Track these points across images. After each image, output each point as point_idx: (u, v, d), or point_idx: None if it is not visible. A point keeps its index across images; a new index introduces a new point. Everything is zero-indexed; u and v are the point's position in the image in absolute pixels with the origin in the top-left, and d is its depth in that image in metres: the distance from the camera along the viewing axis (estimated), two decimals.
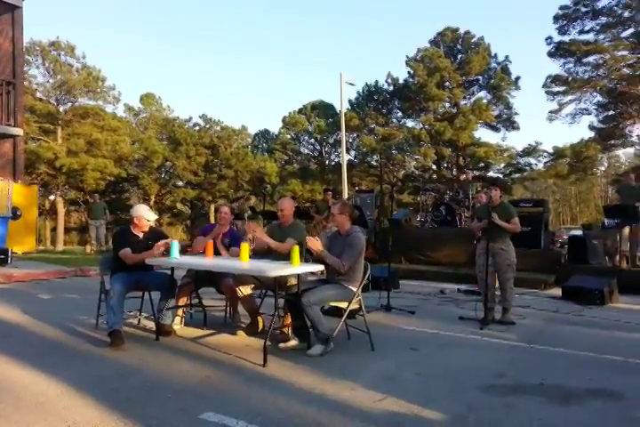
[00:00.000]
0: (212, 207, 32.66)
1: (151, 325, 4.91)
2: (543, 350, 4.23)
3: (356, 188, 27.44)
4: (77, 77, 27.81)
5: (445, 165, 31.29)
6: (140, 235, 4.64)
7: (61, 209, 29.24)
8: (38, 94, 27.73)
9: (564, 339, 4.65)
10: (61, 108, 28.52)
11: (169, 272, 4.67)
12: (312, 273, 5.69)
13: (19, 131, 11.45)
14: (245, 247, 4.58)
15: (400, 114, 32.18)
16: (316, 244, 4.07)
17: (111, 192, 32.01)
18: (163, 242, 4.49)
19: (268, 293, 5.01)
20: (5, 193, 11.85)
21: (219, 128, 35.27)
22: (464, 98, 29.91)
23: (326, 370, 3.54)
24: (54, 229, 30.06)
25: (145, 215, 4.59)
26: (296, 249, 4.13)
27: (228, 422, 2.61)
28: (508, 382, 3.37)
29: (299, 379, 3.35)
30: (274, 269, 3.86)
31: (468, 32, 29.54)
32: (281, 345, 4.15)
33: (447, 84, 29.46)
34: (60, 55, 27.68)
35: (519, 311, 5.80)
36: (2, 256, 9.30)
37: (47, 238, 31.22)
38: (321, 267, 4.24)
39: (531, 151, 29.63)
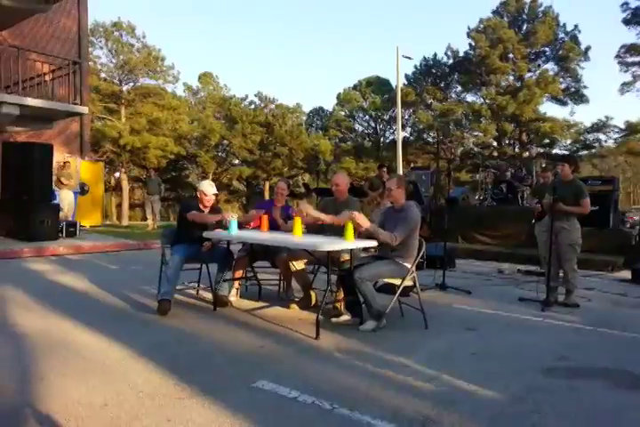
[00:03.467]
0: (267, 185, 33.12)
1: (209, 296, 5.05)
2: (609, 334, 4.01)
3: (412, 164, 26.91)
4: (138, 57, 28.51)
5: (507, 142, 30.05)
6: (206, 210, 4.76)
7: (126, 186, 30.50)
8: (102, 75, 28.70)
9: (632, 323, 4.38)
10: (124, 88, 29.42)
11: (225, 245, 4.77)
12: (366, 250, 5.65)
13: (84, 109, 11.89)
14: (298, 221, 4.58)
15: (459, 88, 31.04)
16: (364, 220, 3.99)
17: (172, 170, 33.07)
18: (231, 214, 4.62)
19: (321, 268, 5.01)
20: (74, 169, 12.48)
21: (273, 106, 35.35)
22: (529, 70, 28.39)
23: (378, 346, 3.51)
24: (120, 205, 31.47)
25: (204, 189, 4.70)
26: (350, 225, 4.08)
27: (281, 391, 2.64)
28: (571, 365, 3.22)
29: (351, 353, 3.34)
30: (327, 244, 3.83)
31: (534, 0, 27.81)
32: (333, 320, 4.15)
33: (511, 55, 28.01)
34: (121, 36, 28.44)
35: (584, 294, 5.52)
36: (71, 229, 9.82)
37: (113, 214, 32.75)
38: (374, 242, 4.18)
39: (600, 127, 27.89)
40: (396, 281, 4.07)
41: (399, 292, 4.06)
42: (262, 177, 34.32)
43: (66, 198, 11.21)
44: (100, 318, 4.11)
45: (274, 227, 5.00)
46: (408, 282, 4.08)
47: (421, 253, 4.18)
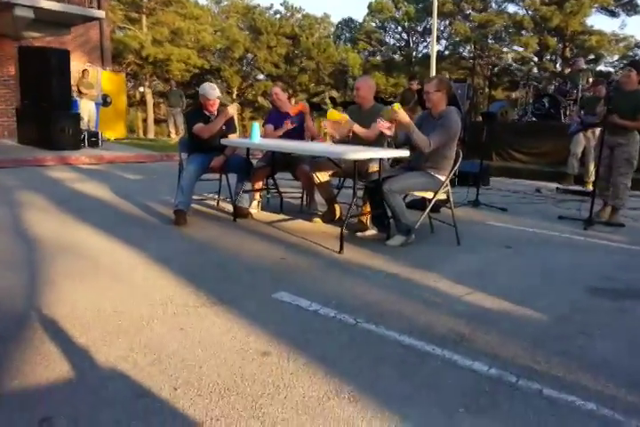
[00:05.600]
0: (292, 101, 32.05)
1: (229, 207, 4.86)
2: None
3: (446, 75, 25.34)
4: None
5: (549, 57, 27.86)
6: (212, 116, 4.40)
7: (150, 100, 29.90)
8: None
9: None
10: None
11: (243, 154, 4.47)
12: (396, 163, 5.29)
13: (101, 13, 11.13)
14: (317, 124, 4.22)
15: None
16: (403, 115, 3.57)
17: (195, 84, 32.03)
18: (232, 105, 4.30)
19: (346, 182, 4.70)
20: (94, 78, 12.01)
21: (300, 16, 33.18)
22: None
23: (407, 261, 3.28)
24: (145, 120, 31.13)
25: (206, 93, 4.30)
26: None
27: (301, 304, 2.46)
28: (618, 286, 2.95)
29: (376, 267, 3.13)
30: (354, 152, 3.49)
31: None
32: (359, 234, 3.92)
33: None
34: None
35: (630, 214, 5.13)
36: (93, 139, 9.63)
37: (139, 128, 32.52)
38: (406, 152, 3.81)
39: None
40: (428, 194, 3.75)
41: (430, 206, 3.76)
42: (288, 93, 33.14)
43: (86, 108, 10.90)
44: (116, 226, 3.96)
45: (298, 137, 4.64)
46: (441, 195, 3.76)
47: (457, 165, 3.80)
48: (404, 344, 2.05)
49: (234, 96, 30.98)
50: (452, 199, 3.85)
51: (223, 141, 4.27)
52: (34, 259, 3.05)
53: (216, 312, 2.32)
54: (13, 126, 9.67)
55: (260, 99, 36.16)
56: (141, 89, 30.51)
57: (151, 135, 27.01)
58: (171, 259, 3.14)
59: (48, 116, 8.51)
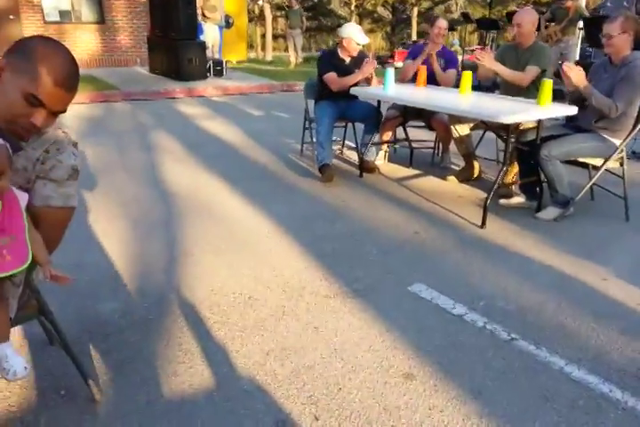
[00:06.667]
0: (415, 11, 29.37)
1: (354, 157, 4.60)
2: None
3: None
4: None
5: None
6: (347, 59, 4.00)
7: (269, 15, 29.09)
8: None
9: None
10: None
11: (374, 103, 4.08)
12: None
13: None
14: (468, 77, 3.65)
15: None
16: (579, 75, 2.94)
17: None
18: (372, 61, 3.87)
19: (487, 134, 4.16)
20: (218, 1, 11.76)
21: None
22: None
23: (563, 244, 2.84)
24: (264, 36, 30.74)
25: (355, 37, 3.86)
26: (548, 84, 3.08)
27: (443, 303, 2.22)
28: None
29: (527, 252, 2.75)
30: (510, 114, 2.96)
31: None
32: (502, 201, 3.47)
33: None
34: None
35: None
36: (218, 68, 9.62)
37: (258, 45, 32.31)
38: (574, 110, 3.18)
39: None
40: (596, 161, 3.16)
41: (598, 175, 3.17)
42: (410, 1, 30.33)
43: (210, 34, 10.80)
44: (244, 179, 3.92)
45: (431, 81, 4.11)
46: (613, 163, 3.15)
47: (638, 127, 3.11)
48: (573, 379, 1.75)
49: (352, 7, 29.11)
50: (625, 167, 3.21)
51: (353, 91, 3.91)
52: (171, 221, 3.09)
53: (351, 310, 2.17)
54: (146, 55, 9.92)
55: (379, 9, 33.71)
56: (260, 2, 29.77)
57: (269, 53, 26.74)
58: (301, 228, 3.02)
59: (176, 47, 8.55)
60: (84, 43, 10.44)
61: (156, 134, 5.36)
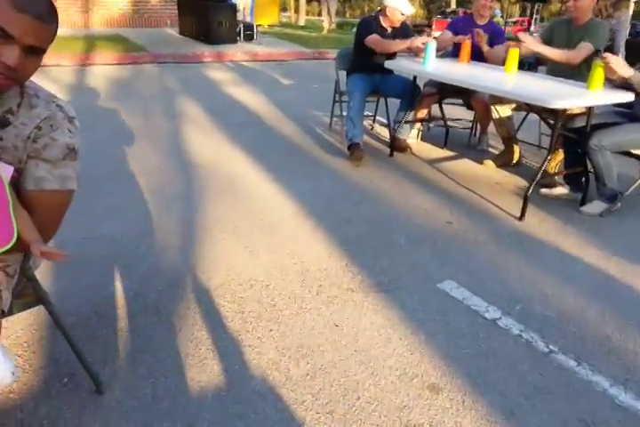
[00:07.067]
0: None
1: (385, 134, 4.37)
2: None
3: None
4: None
5: None
6: (389, 29, 3.72)
7: None
8: None
9: None
10: None
11: (411, 78, 3.82)
12: None
13: None
14: (514, 54, 3.36)
15: None
16: (621, 64, 2.65)
17: None
18: (423, 38, 3.59)
19: (530, 116, 3.87)
20: None
21: None
22: None
23: (610, 243, 2.62)
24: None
25: (400, 7, 3.57)
26: (600, 68, 2.79)
27: (475, 305, 2.05)
28: None
29: (569, 250, 2.54)
30: (559, 97, 2.70)
31: None
32: (544, 191, 3.23)
33: None
34: None
35: None
36: (248, 32, 9.32)
37: (291, 8, 31.45)
38: (631, 96, 2.88)
39: None
40: None
41: None
42: None
43: None
44: (270, 152, 3.75)
45: (476, 57, 3.81)
46: None
47: None
48: (618, 403, 1.58)
49: None
50: None
51: (388, 64, 3.65)
52: (191, 195, 2.96)
53: (374, 306, 2.02)
54: (176, 16, 9.66)
55: None
56: None
57: (302, 16, 25.97)
58: (323, 209, 2.86)
59: (206, 9, 8.28)
60: (115, 2, 10.20)
61: (181, 100, 5.19)
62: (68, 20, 9.65)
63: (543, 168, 2.93)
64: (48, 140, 1.10)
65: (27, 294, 1.34)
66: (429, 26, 17.50)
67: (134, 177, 3.19)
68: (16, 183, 1.11)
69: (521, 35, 3.25)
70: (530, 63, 4.15)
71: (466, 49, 3.71)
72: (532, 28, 20.26)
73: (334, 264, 2.31)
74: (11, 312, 1.28)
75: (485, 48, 3.81)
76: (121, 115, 4.51)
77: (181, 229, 2.57)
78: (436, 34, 11.17)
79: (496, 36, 3.85)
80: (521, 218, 2.86)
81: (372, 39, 3.62)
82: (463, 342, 1.84)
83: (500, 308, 2.04)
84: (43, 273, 2.02)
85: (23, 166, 1.11)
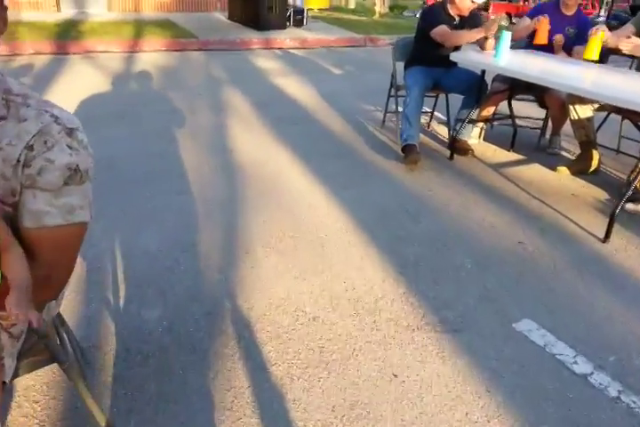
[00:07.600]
0: None
1: (444, 133, 4.01)
2: None
3: None
4: None
5: None
6: (457, 19, 3.33)
7: None
8: None
9: None
10: None
11: (478, 72, 3.44)
12: None
13: None
14: (596, 42, 2.94)
15: None
16: None
17: None
18: (494, 25, 3.21)
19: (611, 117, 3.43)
20: None
21: None
22: None
23: None
24: None
25: None
26: None
27: (560, 355, 1.73)
28: None
29: None
30: None
31: None
32: (629, 207, 2.82)
33: None
34: None
35: None
36: (298, 17, 8.99)
37: None
38: None
39: None
40: None
41: None
42: None
43: None
44: (319, 154, 3.48)
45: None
46: None
47: None
48: None
49: None
50: None
51: (453, 57, 3.28)
52: (233, 202, 2.72)
53: (439, 351, 1.73)
54: (226, 0, 9.42)
55: None
56: None
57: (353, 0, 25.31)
58: (375, 223, 2.58)
59: None
60: None
61: (226, 91, 4.96)
62: (119, 4, 9.57)
63: (636, 182, 2.54)
64: (43, 163, 0.84)
65: (37, 351, 1.13)
66: (486, 9, 16.30)
67: (174, 179, 2.99)
68: (12, 219, 0.87)
69: (623, 45, 2.79)
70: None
71: (543, 27, 3.28)
72: (601, 11, 18.02)
73: (390, 293, 2.03)
74: (16, 375, 1.08)
75: (563, 54, 3.40)
76: (164, 108, 4.33)
77: (222, 242, 2.34)
78: (493, 18, 10.47)
79: (583, 31, 3.35)
80: (605, 239, 2.49)
81: (441, 31, 3.24)
82: (549, 405, 1.53)
83: (591, 359, 1.72)
84: (64, 296, 1.84)
85: (19, 199, 0.86)
